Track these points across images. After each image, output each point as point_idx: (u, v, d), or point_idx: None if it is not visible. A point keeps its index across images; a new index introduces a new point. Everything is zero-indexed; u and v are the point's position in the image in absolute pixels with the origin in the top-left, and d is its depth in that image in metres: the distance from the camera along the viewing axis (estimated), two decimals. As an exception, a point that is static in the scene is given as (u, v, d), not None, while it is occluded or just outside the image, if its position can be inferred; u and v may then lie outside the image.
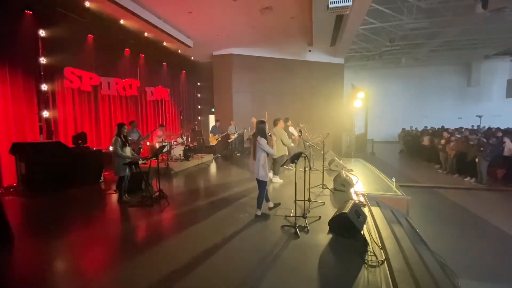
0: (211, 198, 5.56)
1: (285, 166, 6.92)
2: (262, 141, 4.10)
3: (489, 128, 12.53)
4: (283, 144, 6.16)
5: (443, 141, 10.25)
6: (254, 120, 4.43)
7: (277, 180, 6.45)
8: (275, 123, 6.22)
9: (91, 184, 6.37)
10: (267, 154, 4.18)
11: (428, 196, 7.54)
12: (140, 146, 7.40)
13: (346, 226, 3.44)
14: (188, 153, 8.99)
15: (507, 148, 8.25)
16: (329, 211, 4.38)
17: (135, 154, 5.44)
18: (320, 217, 4.16)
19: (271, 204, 4.57)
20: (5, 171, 5.83)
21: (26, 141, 6.02)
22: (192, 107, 14.38)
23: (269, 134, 4.36)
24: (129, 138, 6.98)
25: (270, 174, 6.04)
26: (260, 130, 4.15)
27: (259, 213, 4.31)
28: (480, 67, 17.86)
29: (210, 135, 11.38)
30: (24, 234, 3.86)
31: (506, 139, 8.40)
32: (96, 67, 8.01)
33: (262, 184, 4.20)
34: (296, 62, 13.34)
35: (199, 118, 14.77)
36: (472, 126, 14.21)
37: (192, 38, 10.54)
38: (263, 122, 4.20)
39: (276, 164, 6.46)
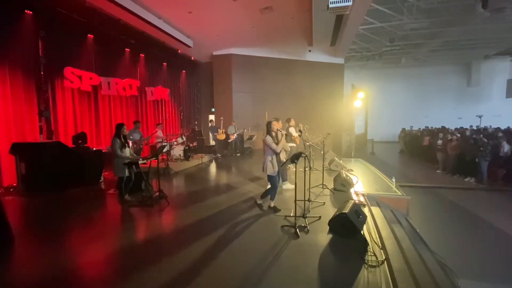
0: (211, 198, 5.56)
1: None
2: (267, 138, 4.40)
3: (498, 128, 12.35)
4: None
5: (440, 142, 10.26)
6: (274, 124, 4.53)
7: (288, 186, 5.81)
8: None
9: (91, 184, 6.36)
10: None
11: (428, 196, 7.55)
12: (141, 146, 7.39)
13: (346, 226, 3.44)
14: (188, 153, 8.99)
15: (502, 149, 8.27)
16: (329, 211, 4.38)
17: (134, 155, 5.44)
18: (320, 217, 4.16)
19: (272, 204, 4.60)
20: (5, 171, 5.82)
21: (26, 141, 6.02)
22: (192, 107, 14.38)
23: (280, 130, 4.56)
24: (131, 138, 7.00)
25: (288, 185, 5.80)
26: (267, 130, 4.47)
27: (259, 201, 4.68)
28: (480, 67, 17.87)
29: (215, 134, 11.35)
30: (24, 234, 3.86)
31: (503, 140, 8.41)
32: (96, 67, 8.01)
33: (271, 179, 4.49)
34: (296, 62, 13.35)
35: (199, 118, 14.78)
36: (471, 126, 14.22)
37: (192, 38, 10.54)
38: (269, 123, 4.48)
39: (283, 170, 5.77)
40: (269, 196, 4.59)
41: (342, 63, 13.93)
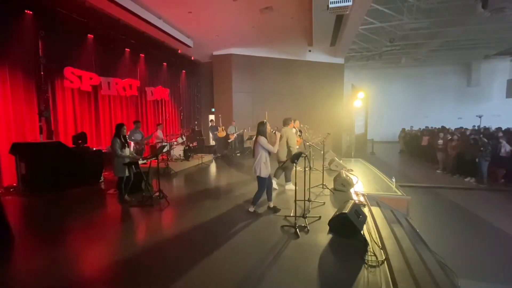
0: (211, 198, 5.57)
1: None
2: (261, 139, 4.27)
3: (499, 128, 12.20)
4: (288, 145, 5.66)
5: (440, 141, 10.25)
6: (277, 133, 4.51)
7: (290, 187, 5.66)
8: (285, 122, 5.81)
9: (91, 184, 6.36)
10: (269, 152, 4.35)
11: (428, 196, 7.55)
12: (143, 147, 7.38)
13: (346, 226, 3.44)
14: (188, 153, 9.00)
15: (503, 149, 8.26)
16: (329, 211, 4.38)
17: (135, 155, 5.44)
18: (320, 217, 4.16)
19: (271, 205, 4.60)
20: (5, 171, 5.83)
21: (26, 141, 6.02)
22: (192, 107, 14.38)
23: (273, 131, 4.54)
24: (133, 138, 7.00)
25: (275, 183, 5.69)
26: (260, 131, 4.34)
27: (251, 209, 4.47)
28: (480, 67, 17.87)
29: (215, 133, 11.38)
30: (24, 234, 3.86)
31: (502, 140, 8.41)
32: (96, 67, 8.01)
33: (262, 181, 4.36)
34: (296, 62, 13.34)
35: (199, 118, 14.78)
36: (473, 126, 14.20)
37: (192, 38, 10.54)
38: (263, 124, 4.37)
39: (287, 170, 5.86)
40: (268, 197, 4.56)
41: (342, 63, 13.92)
